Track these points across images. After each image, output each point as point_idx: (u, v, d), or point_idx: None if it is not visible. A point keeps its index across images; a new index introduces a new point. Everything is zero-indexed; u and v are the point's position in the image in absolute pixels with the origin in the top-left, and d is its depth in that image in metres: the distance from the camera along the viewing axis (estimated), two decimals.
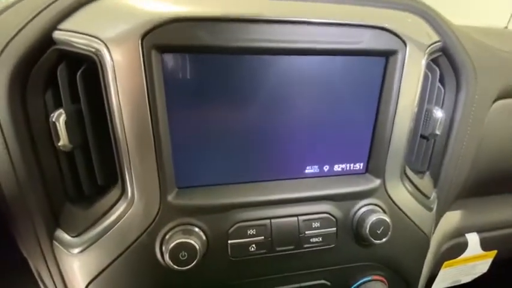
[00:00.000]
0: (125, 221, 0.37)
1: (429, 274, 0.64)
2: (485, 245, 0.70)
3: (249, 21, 0.34)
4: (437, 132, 0.45)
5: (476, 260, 0.73)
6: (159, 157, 0.36)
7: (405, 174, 0.46)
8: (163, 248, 0.37)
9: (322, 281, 0.48)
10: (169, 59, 0.34)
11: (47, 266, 0.39)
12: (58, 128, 0.34)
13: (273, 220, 0.41)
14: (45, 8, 0.32)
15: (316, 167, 0.43)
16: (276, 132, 0.40)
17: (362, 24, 0.36)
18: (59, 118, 0.34)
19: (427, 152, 0.49)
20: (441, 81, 0.46)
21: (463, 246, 0.68)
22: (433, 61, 0.44)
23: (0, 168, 0.34)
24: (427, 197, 0.49)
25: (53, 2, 0.32)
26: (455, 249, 0.68)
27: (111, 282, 0.39)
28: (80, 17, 0.32)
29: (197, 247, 0.36)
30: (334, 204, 0.43)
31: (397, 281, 0.52)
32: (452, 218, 0.65)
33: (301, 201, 0.42)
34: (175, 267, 0.37)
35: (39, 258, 0.39)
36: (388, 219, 0.42)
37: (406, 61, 0.39)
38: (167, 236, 0.38)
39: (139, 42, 0.31)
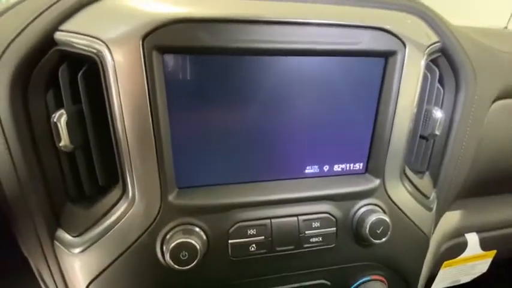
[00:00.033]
0: (125, 221, 0.37)
1: (429, 274, 0.64)
2: (485, 245, 0.70)
3: (249, 22, 0.34)
4: (437, 132, 0.45)
5: (476, 259, 0.73)
6: (160, 157, 0.36)
7: (405, 174, 0.46)
8: (164, 247, 0.37)
9: (322, 281, 0.48)
10: (170, 59, 0.34)
11: (48, 266, 0.40)
12: (59, 128, 0.34)
13: (273, 220, 0.41)
14: (46, 9, 0.32)
15: (316, 167, 0.43)
16: (276, 133, 0.40)
17: (361, 25, 0.37)
18: (60, 119, 0.34)
19: (426, 152, 0.49)
20: (440, 81, 0.46)
21: (462, 246, 0.69)
22: (433, 62, 0.44)
23: (1, 169, 0.34)
24: (427, 197, 0.49)
25: (54, 3, 0.32)
26: (454, 249, 0.68)
27: (112, 282, 0.39)
28: (81, 18, 0.32)
29: (198, 247, 0.37)
30: (334, 204, 0.43)
31: (397, 281, 0.52)
32: (451, 218, 0.65)
33: (301, 201, 0.42)
34: (176, 267, 0.37)
35: (40, 258, 0.39)
36: (387, 219, 0.43)
37: (405, 62, 0.39)
38: (168, 236, 0.38)
39: (140, 43, 0.32)
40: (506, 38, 0.60)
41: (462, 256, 0.70)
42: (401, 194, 0.46)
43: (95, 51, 0.32)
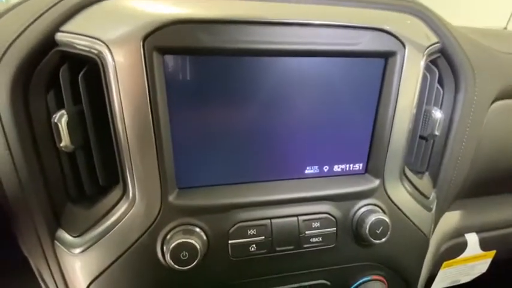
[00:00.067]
0: (126, 221, 0.37)
1: (428, 274, 0.65)
2: (485, 245, 0.70)
3: (249, 23, 0.34)
4: (436, 132, 0.45)
5: (476, 260, 0.73)
6: (160, 158, 0.36)
7: (404, 174, 0.46)
8: (164, 248, 0.37)
9: (322, 281, 0.48)
10: (171, 60, 0.34)
11: (48, 266, 0.40)
12: (60, 129, 0.34)
13: (273, 220, 0.41)
14: (47, 10, 0.32)
15: (316, 167, 0.43)
16: (276, 133, 0.40)
17: (361, 26, 0.37)
18: (61, 119, 0.34)
19: (426, 152, 0.49)
20: (440, 82, 0.47)
21: (462, 247, 0.69)
22: (432, 62, 0.44)
23: (2, 169, 0.34)
24: (426, 197, 0.49)
25: (55, 4, 0.33)
26: (454, 249, 0.68)
27: (113, 282, 0.39)
28: (82, 19, 0.33)
29: (198, 247, 0.37)
30: (333, 204, 0.43)
31: (397, 281, 0.52)
32: (451, 218, 0.65)
33: (301, 202, 0.42)
34: (176, 267, 0.37)
35: (41, 258, 0.39)
36: (387, 220, 0.43)
37: (405, 62, 0.39)
38: (168, 236, 0.38)
39: (141, 44, 0.32)
40: (505, 38, 0.60)
41: (462, 256, 0.70)
42: (401, 194, 0.46)
43: (95, 52, 0.32)
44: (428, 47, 0.41)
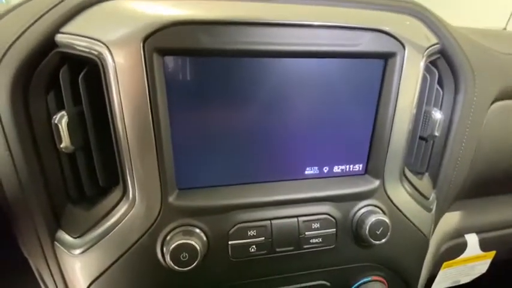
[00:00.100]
0: (126, 222, 0.37)
1: (428, 275, 0.65)
2: (484, 246, 0.70)
3: (249, 25, 0.34)
4: (436, 133, 0.46)
5: (476, 260, 0.73)
6: (160, 159, 0.36)
7: (404, 175, 0.46)
8: (164, 249, 0.37)
9: (322, 282, 0.48)
10: (171, 61, 0.34)
11: (48, 267, 0.40)
12: (60, 129, 0.34)
13: (273, 221, 0.41)
14: (47, 11, 0.33)
15: (316, 168, 0.43)
16: (276, 134, 0.40)
17: (361, 27, 0.37)
18: (61, 120, 0.34)
19: (426, 153, 0.49)
20: (440, 83, 0.47)
21: (462, 247, 0.69)
22: (432, 63, 0.44)
23: (2, 170, 0.34)
24: (426, 198, 0.49)
25: (55, 6, 0.33)
26: (454, 249, 0.68)
27: (113, 283, 0.39)
28: (82, 20, 0.33)
29: (198, 248, 0.37)
30: (333, 205, 0.43)
31: (397, 282, 0.52)
32: (451, 219, 0.65)
33: (301, 202, 0.42)
34: (176, 268, 0.37)
35: (41, 259, 0.39)
36: (387, 220, 0.43)
37: (404, 63, 0.39)
38: (168, 237, 0.38)
39: (141, 45, 0.32)
40: (505, 39, 0.60)
41: (462, 257, 0.70)
42: (400, 195, 0.46)
43: (95, 53, 0.32)
44: (428, 48, 0.41)
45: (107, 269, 0.38)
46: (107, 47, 0.32)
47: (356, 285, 0.49)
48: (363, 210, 0.44)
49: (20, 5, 0.35)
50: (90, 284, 0.39)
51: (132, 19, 0.32)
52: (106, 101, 0.34)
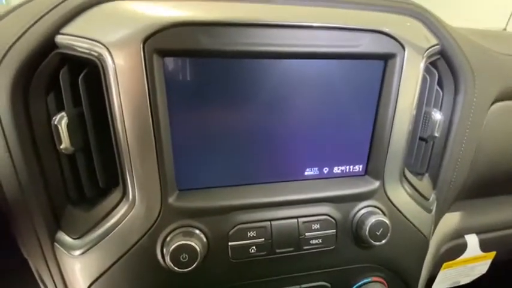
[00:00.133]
0: (126, 223, 0.37)
1: (428, 275, 0.65)
2: (484, 246, 0.70)
3: (249, 26, 0.34)
4: (436, 134, 0.46)
5: (476, 261, 0.73)
6: (160, 160, 0.36)
7: (404, 176, 0.46)
8: (164, 250, 0.37)
9: (322, 283, 0.48)
10: (171, 62, 0.34)
11: (48, 268, 0.40)
12: (60, 131, 0.34)
13: (273, 222, 0.41)
14: (47, 13, 0.33)
15: (316, 169, 0.43)
16: (276, 135, 0.40)
17: (361, 28, 0.37)
18: (61, 121, 0.34)
19: (426, 154, 0.49)
20: (439, 83, 0.47)
21: (462, 248, 0.69)
22: (432, 64, 0.44)
23: (2, 171, 0.34)
24: (426, 199, 0.49)
25: (55, 7, 0.33)
26: (454, 250, 0.68)
27: (112, 284, 0.39)
28: (82, 21, 0.33)
29: (198, 249, 0.37)
30: (333, 206, 0.43)
31: (397, 283, 0.52)
32: (451, 220, 0.65)
33: (301, 203, 0.42)
34: (176, 269, 0.37)
35: (40, 259, 0.39)
36: (387, 221, 0.43)
37: (404, 64, 0.39)
38: (168, 238, 0.38)
39: (141, 46, 0.32)
40: (505, 39, 0.60)
41: (462, 257, 0.70)
42: (400, 195, 0.46)
43: (95, 54, 0.32)
44: (427, 49, 0.41)
45: (106, 270, 0.38)
46: (107, 48, 0.32)
47: (356, 286, 0.49)
48: (363, 211, 0.44)
49: (20, 6, 0.35)
50: (90, 285, 0.39)
51: (132, 20, 0.32)
52: (106, 102, 0.34)
